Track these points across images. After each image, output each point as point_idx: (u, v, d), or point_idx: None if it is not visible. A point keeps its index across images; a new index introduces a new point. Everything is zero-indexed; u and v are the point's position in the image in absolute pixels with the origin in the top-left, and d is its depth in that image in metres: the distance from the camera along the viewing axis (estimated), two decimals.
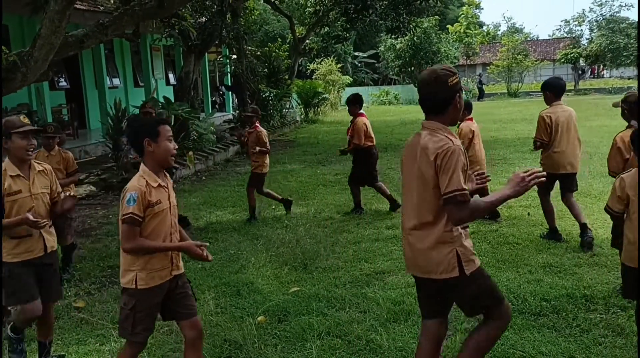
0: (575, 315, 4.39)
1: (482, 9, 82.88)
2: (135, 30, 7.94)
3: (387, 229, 7.17)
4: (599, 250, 5.87)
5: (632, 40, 38.33)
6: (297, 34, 22.32)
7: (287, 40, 24.61)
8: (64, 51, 6.98)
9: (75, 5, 11.25)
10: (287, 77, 21.45)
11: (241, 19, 17.88)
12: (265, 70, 20.55)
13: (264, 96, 19.09)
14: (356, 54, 44.73)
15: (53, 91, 14.69)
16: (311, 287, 5.24)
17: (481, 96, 37.79)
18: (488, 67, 43.11)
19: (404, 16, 18.14)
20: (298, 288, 5.22)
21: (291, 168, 12.54)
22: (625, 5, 41.30)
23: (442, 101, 2.74)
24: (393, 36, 21.03)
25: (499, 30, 67.53)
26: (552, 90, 6.18)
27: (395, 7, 17.53)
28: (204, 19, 14.82)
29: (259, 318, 4.52)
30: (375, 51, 43.57)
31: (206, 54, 19.45)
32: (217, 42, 15.60)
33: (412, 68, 39.53)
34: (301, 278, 5.51)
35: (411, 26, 19.25)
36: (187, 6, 12.94)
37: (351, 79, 35.72)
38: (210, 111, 19.01)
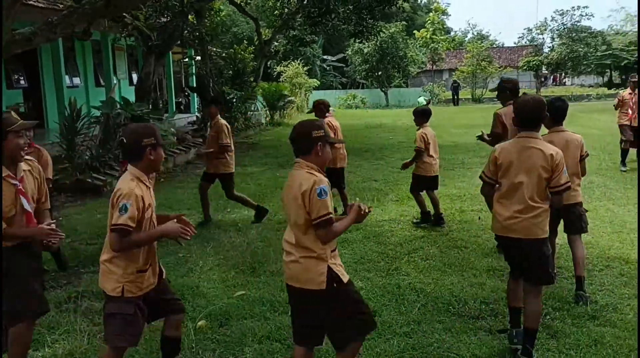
0: None
1: (450, 15, 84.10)
2: (86, 29, 7.78)
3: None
4: None
5: (591, 49, 39.43)
6: (263, 37, 22.26)
7: (254, 42, 24.53)
8: (12, 49, 6.82)
9: (32, 3, 11.08)
10: (252, 79, 21.36)
11: (206, 20, 17.73)
12: (230, 72, 20.42)
13: (228, 97, 18.97)
14: (325, 57, 44.87)
15: (10, 90, 14.34)
16: (257, 291, 5.21)
17: (456, 101, 38.35)
18: (454, 73, 43.77)
19: (368, 21, 18.27)
20: (243, 292, 5.18)
21: (251, 170, 12.48)
22: (586, 15, 42.53)
23: (307, 147, 3.15)
24: (358, 40, 21.15)
25: (466, 37, 68.81)
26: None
27: (358, 12, 17.65)
28: (165, 19, 14.65)
29: (200, 323, 4.47)
30: (343, 55, 43.80)
31: (170, 54, 19.25)
32: (178, 42, 15.43)
33: (380, 72, 39.87)
34: (248, 282, 5.48)
35: (375, 31, 19.38)
36: (146, 6, 12.77)
37: (319, 82, 35.79)
38: (174, 112, 18.78)
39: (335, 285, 3.07)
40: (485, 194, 4.09)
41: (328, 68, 45.77)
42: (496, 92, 6.07)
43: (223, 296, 5.10)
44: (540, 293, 3.85)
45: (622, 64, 44.68)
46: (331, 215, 3.04)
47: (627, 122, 10.94)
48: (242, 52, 20.94)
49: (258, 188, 10.32)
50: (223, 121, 7.62)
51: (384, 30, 27.05)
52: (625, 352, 3.86)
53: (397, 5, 17.81)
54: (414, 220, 7.56)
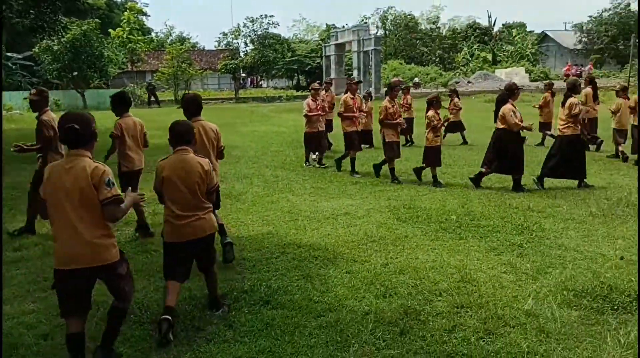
0: (194, 315, 4.53)
1: (149, 16, 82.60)
2: None
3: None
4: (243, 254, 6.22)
5: (279, 55, 43.30)
6: None
7: None
8: None
9: None
10: None
11: None
12: None
13: None
14: (9, 54, 39.40)
15: None
16: None
17: (152, 102, 37.57)
18: (155, 75, 43.18)
19: (49, 15, 16.63)
20: None
21: None
22: (273, 24, 46.40)
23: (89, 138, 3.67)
24: (40, 36, 19.09)
25: (169, 38, 68.56)
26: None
27: (37, 5, 15.92)
28: None
29: None
30: (31, 53, 39.15)
31: None
32: None
33: (75, 73, 36.88)
34: None
35: (59, 27, 17.78)
36: None
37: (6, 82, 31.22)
38: None
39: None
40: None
41: (14, 67, 40.36)
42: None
43: None
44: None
45: (307, 69, 50.29)
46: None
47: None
48: None
49: None
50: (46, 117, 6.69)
51: (70, 27, 24.98)
52: (291, 330, 4.24)
53: (81, 1, 16.62)
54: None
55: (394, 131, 9.89)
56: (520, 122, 8.61)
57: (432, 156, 9.51)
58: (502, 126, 8.80)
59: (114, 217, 3.61)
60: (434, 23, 61.77)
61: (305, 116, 11.56)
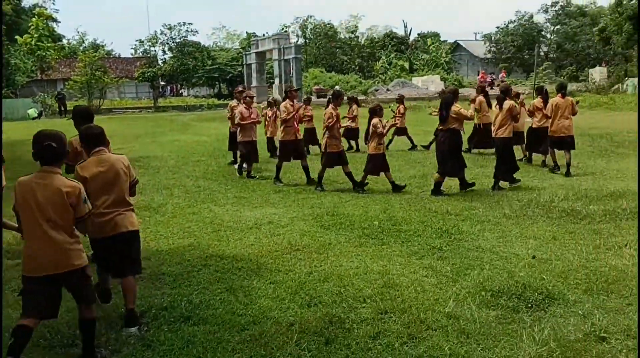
0: (109, 337, 4.29)
1: (60, 22, 78.77)
2: None
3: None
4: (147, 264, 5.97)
5: (199, 63, 42.57)
6: None
7: None
8: None
9: None
10: None
11: None
12: None
13: None
14: None
15: None
16: None
17: (63, 112, 35.75)
18: (67, 83, 41.22)
19: None
20: None
21: None
22: (191, 31, 45.47)
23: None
24: None
25: (82, 45, 65.73)
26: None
27: None
28: None
29: None
30: None
31: None
32: None
33: None
34: None
35: None
36: None
37: None
38: None
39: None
40: None
41: None
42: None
43: None
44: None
45: (228, 77, 49.71)
46: None
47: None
48: None
49: None
50: None
51: None
52: (213, 346, 4.10)
53: None
54: None
55: (338, 141, 9.89)
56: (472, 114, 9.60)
57: (378, 164, 9.58)
58: (452, 126, 9.04)
59: (86, 229, 4.05)
60: (352, 32, 63.08)
61: (238, 124, 11.10)
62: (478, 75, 51.57)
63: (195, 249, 6.53)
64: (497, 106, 9.77)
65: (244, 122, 10.97)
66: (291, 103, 10.55)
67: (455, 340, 4.10)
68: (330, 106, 9.86)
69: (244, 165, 11.48)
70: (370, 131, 9.48)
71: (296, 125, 10.66)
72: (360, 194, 9.41)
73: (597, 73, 42.66)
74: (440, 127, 9.43)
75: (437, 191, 9.17)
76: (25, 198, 3.71)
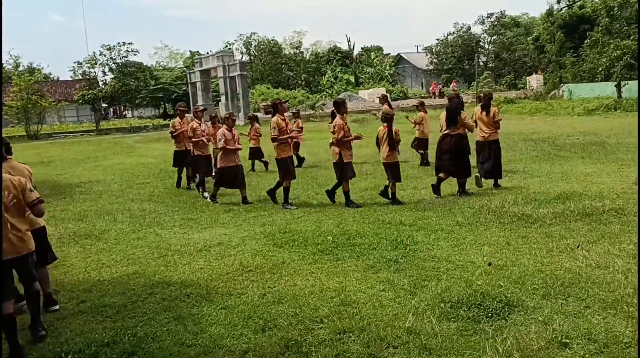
0: None
1: None
2: None
3: None
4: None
5: (141, 84, 41.59)
6: None
7: None
8: None
9: None
10: None
11: None
12: None
13: None
14: None
15: None
16: None
17: None
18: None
19: None
20: None
21: None
22: (132, 51, 44.28)
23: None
24: None
25: (17, 69, 63.29)
26: None
27: None
28: None
29: None
30: None
31: None
32: None
33: None
34: None
35: None
36: None
37: None
38: None
39: None
40: None
41: None
42: None
43: None
44: None
45: (173, 96, 48.81)
46: None
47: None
48: None
49: None
50: None
51: None
52: None
53: None
54: None
55: (351, 151, 9.55)
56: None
57: (397, 171, 9.44)
58: (457, 132, 9.51)
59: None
60: (297, 48, 63.30)
61: (223, 148, 10.00)
62: (429, 87, 52.87)
63: (140, 277, 6.16)
64: (483, 112, 10.20)
65: (229, 147, 9.99)
66: (282, 117, 9.68)
67: (417, 357, 3.93)
68: (337, 117, 9.40)
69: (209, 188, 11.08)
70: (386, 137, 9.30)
71: (290, 141, 9.87)
72: (327, 208, 9.22)
73: (534, 80, 44.20)
74: (447, 132, 9.65)
75: (437, 189, 9.65)
76: None
